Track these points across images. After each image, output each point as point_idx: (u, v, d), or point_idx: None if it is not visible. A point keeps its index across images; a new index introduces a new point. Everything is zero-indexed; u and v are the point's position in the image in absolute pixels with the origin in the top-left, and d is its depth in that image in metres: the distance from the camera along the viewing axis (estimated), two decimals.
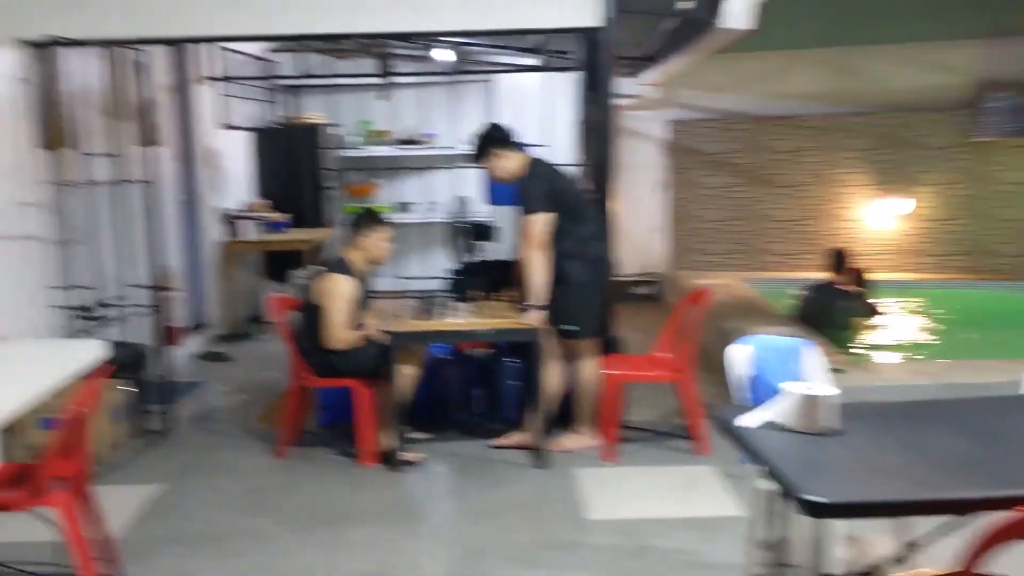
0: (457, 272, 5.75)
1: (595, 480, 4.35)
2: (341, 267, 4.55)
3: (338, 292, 4.46)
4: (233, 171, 8.23)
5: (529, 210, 4.40)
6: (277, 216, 8.45)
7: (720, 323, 6.75)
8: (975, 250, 8.92)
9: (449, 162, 9.01)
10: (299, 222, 8.40)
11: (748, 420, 2.60)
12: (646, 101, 8.91)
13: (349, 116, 9.22)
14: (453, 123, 9.06)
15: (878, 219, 9.01)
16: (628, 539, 3.71)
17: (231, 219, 8.05)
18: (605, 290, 4.66)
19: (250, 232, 8.12)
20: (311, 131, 8.55)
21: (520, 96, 8.73)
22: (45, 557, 3.50)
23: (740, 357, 3.31)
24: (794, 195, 9.17)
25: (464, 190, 8.04)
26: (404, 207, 9.64)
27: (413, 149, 9.41)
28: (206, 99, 7.77)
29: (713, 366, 6.32)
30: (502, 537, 3.74)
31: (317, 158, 8.58)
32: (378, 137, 9.49)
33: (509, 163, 4.54)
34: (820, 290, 7.09)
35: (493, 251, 6.34)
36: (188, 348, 7.07)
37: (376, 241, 4.57)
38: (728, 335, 6.34)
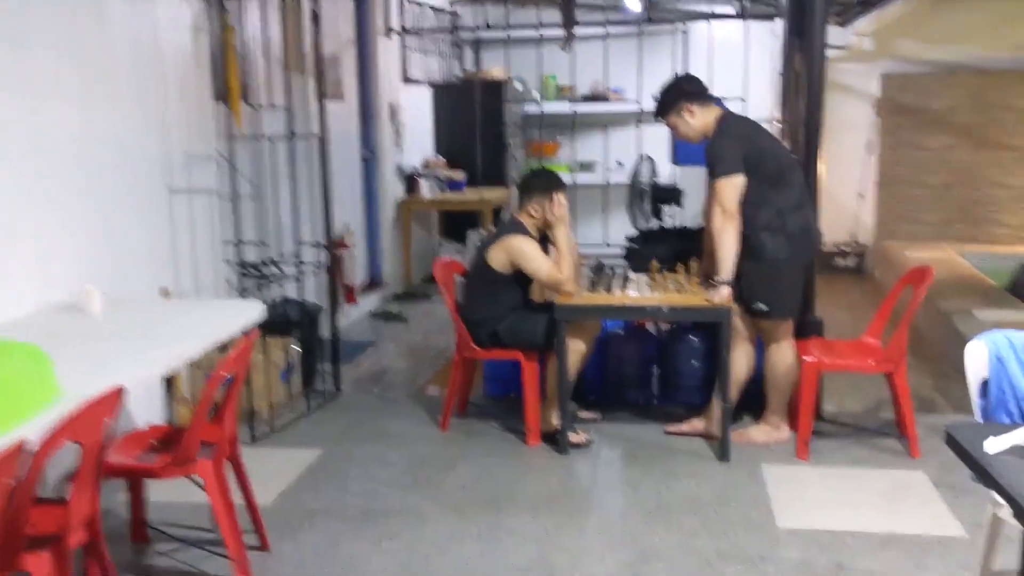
0: (635, 239, 5.32)
1: (786, 481, 3.84)
2: (517, 228, 4.22)
3: (527, 250, 4.13)
4: (413, 127, 8.08)
5: (719, 172, 3.90)
6: (456, 174, 8.25)
7: (935, 303, 6.00)
8: None
9: (635, 120, 8.51)
10: (478, 181, 8.17)
11: (994, 445, 2.07)
12: (856, 52, 8.06)
13: (532, 71, 8.86)
14: (641, 78, 8.52)
15: None
16: (824, 555, 3.21)
17: (410, 176, 7.92)
18: (807, 268, 4.10)
19: (428, 190, 7.97)
20: (493, 86, 8.27)
21: (716, 48, 8.07)
22: (200, 521, 3.40)
23: (977, 356, 2.72)
24: None
25: (649, 149, 7.53)
26: (585, 167, 9.24)
27: (598, 105, 8.97)
28: (389, 53, 7.62)
29: (924, 353, 5.62)
30: (678, 542, 3.33)
31: (498, 114, 8.30)
32: (561, 93, 9.11)
33: (699, 119, 4.04)
34: None
35: (677, 217, 5.85)
36: (363, 307, 7.00)
37: (549, 204, 4.20)
38: (946, 318, 5.63)
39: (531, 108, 9.06)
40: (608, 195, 8.57)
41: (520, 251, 4.13)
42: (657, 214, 5.75)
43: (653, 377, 4.82)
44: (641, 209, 5.76)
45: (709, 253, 4.44)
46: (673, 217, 5.90)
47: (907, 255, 7.62)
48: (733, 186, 3.90)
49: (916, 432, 4.05)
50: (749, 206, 3.94)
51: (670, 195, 5.73)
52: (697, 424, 4.31)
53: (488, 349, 4.30)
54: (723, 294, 3.93)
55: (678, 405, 4.70)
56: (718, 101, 4.16)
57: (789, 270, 4.03)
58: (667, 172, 6.94)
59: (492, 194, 7.83)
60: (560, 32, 7.61)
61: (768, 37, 7.83)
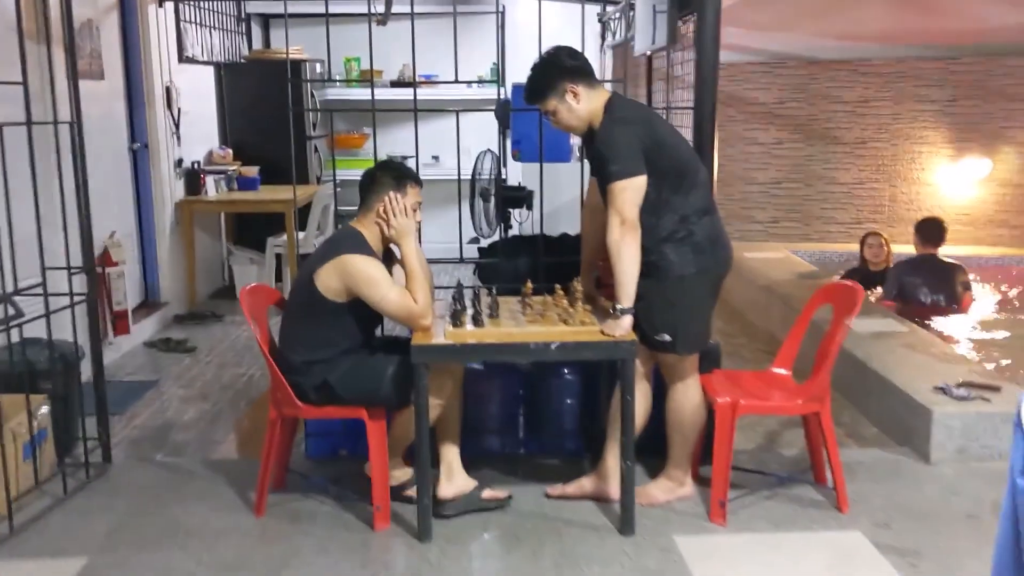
0: (489, 252, 4.41)
1: (708, 556, 3.06)
2: (355, 243, 3.20)
3: (370, 272, 3.12)
4: (195, 115, 6.78)
5: (617, 173, 3.05)
6: (248, 170, 7.03)
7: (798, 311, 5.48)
8: None
9: (456, 108, 7.59)
10: (275, 177, 7.00)
11: None
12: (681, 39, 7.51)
13: (332, 52, 7.74)
14: (458, 62, 7.63)
15: (954, 183, 7.73)
16: None
17: (192, 173, 6.63)
18: (717, 287, 3.33)
19: (215, 189, 6.72)
20: (289, 68, 7.10)
21: (529, 30, 7.30)
22: None
23: None
24: (858, 153, 7.87)
25: (473, 142, 6.64)
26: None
27: (409, 92, 7.98)
28: (162, 25, 6.30)
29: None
30: None
31: (297, 101, 7.15)
32: (369, 78, 8.04)
33: (585, 103, 3.17)
34: (924, 266, 5.86)
35: (527, 223, 5.01)
36: (137, 335, 5.68)
37: (398, 209, 3.21)
38: (816, 329, 5.00)
39: (332, 94, 7.96)
40: (431, 194, 7.62)
41: (359, 274, 3.12)
42: (504, 219, 4.87)
43: (519, 421, 3.93)
44: (486, 214, 4.86)
45: (587, 269, 3.61)
46: (522, 223, 5.05)
47: (746, 256, 7.17)
48: (635, 189, 3.06)
49: (842, 480, 3.39)
50: (647, 213, 3.13)
51: (519, 197, 4.87)
52: (586, 485, 3.46)
53: (317, 405, 3.25)
54: (624, 326, 3.09)
55: (552, 454, 3.85)
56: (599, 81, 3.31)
57: (698, 290, 3.25)
58: (508, 169, 6.07)
59: (291, 193, 6.65)
60: (365, 7, 6.57)
61: (591, 20, 7.16)
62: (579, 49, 3.27)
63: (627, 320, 3.09)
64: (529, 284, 3.47)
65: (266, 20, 8.40)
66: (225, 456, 3.98)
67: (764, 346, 5.60)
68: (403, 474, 3.41)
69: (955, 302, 5.84)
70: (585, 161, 3.47)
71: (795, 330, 3.64)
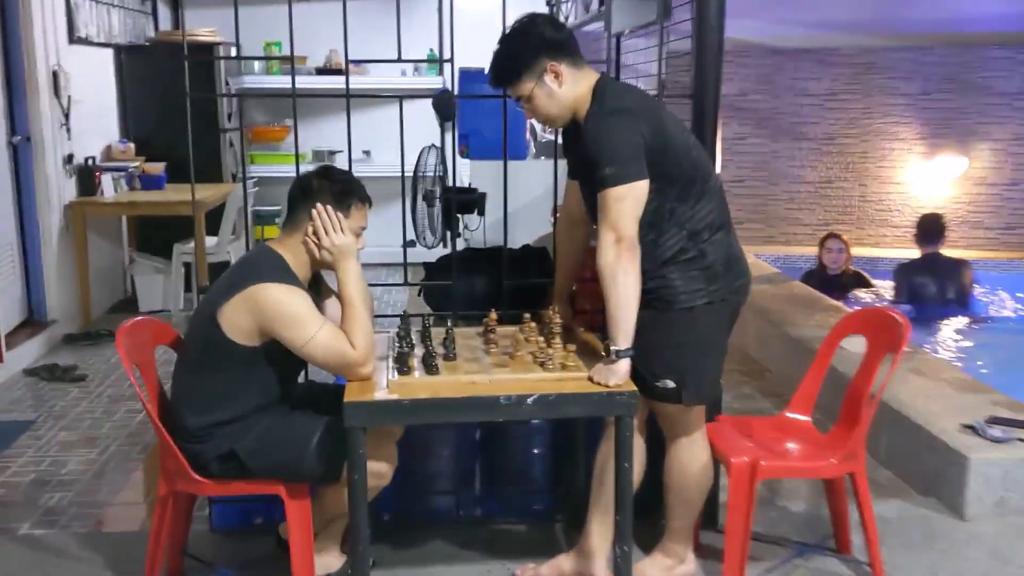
0: (436, 268, 3.69)
1: None
2: (274, 270, 2.45)
3: (293, 307, 2.38)
4: (90, 104, 5.90)
5: (612, 176, 2.35)
6: (153, 167, 6.18)
7: (779, 326, 4.90)
8: None
9: (391, 97, 6.84)
10: (183, 175, 6.13)
11: None
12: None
13: (251, 33, 6.91)
14: (390, 47, 6.89)
15: (927, 183, 7.25)
16: None
17: (86, 170, 5.76)
18: (733, 320, 2.67)
19: (113, 189, 5.86)
20: (199, 51, 6.26)
21: (476, 15, 6.58)
22: None
23: None
24: (826, 150, 7.33)
25: (416, 135, 5.88)
26: (320, 156, 7.43)
27: (337, 80, 7.20)
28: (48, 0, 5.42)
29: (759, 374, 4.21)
30: None
31: (209, 89, 6.31)
32: (290, 64, 7.23)
33: (570, 86, 2.48)
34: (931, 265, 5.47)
35: (478, 232, 4.32)
36: (14, 362, 4.82)
37: (335, 225, 2.48)
38: (800, 349, 4.47)
39: (250, 82, 7.12)
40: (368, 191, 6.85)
41: (277, 310, 2.37)
42: (451, 227, 4.13)
43: (476, 475, 3.22)
44: (430, 220, 4.13)
45: (562, 293, 2.92)
46: (473, 230, 4.34)
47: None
48: (635, 198, 2.37)
49: (877, 553, 2.76)
50: (647, 228, 2.45)
51: (469, 201, 4.15)
52: (564, 566, 2.77)
53: (222, 479, 2.49)
54: (621, 372, 2.40)
55: (517, 517, 3.15)
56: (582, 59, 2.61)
57: (709, 325, 2.57)
58: (450, 169, 5.34)
59: (204, 192, 5.83)
60: None
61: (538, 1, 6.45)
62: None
63: (624, 365, 2.40)
64: (493, 314, 2.77)
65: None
66: (112, 526, 3.20)
67: (740, 366, 4.99)
68: (334, 561, 2.68)
69: (966, 300, 5.49)
70: (550, 159, 2.77)
71: (816, 367, 2.99)
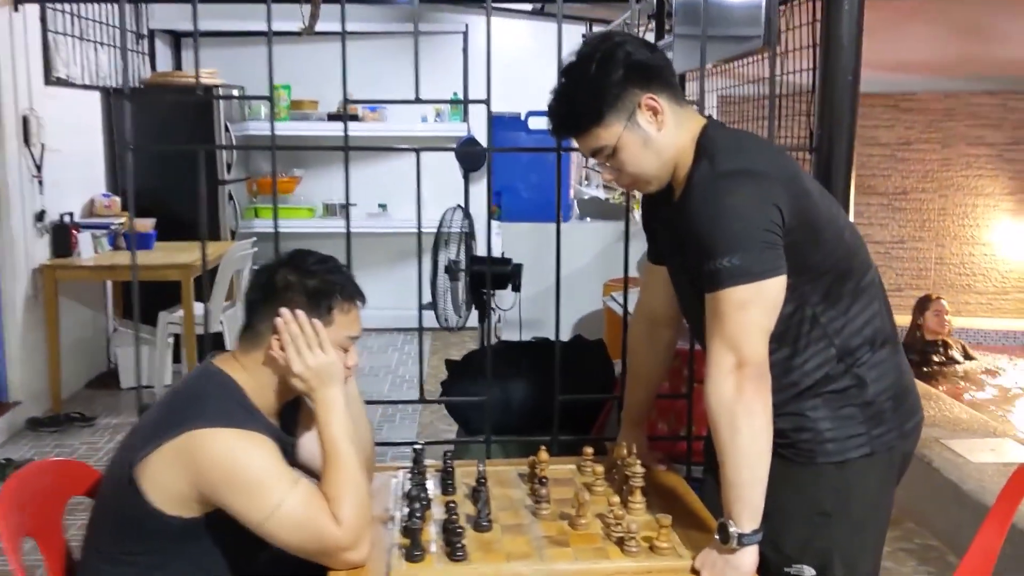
0: (459, 368, 2.91)
1: None
2: (222, 404, 1.66)
3: (248, 467, 1.59)
4: (68, 153, 5.18)
5: (729, 272, 1.56)
6: (143, 224, 5.44)
7: None
8: None
9: (409, 147, 6.14)
10: (178, 232, 5.42)
11: None
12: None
13: (257, 76, 6.24)
14: (409, 92, 6.21)
15: (1016, 243, 6.41)
16: None
17: (61, 228, 5.03)
18: (898, 479, 1.84)
19: (92, 249, 5.13)
20: (199, 95, 5.56)
21: (503, 55, 5.87)
22: None
23: None
24: (898, 206, 6.52)
25: (436, 190, 5.16)
26: (331, 210, 6.72)
27: (354, 128, 6.51)
28: (19, 36, 4.75)
29: None
30: None
31: (208, 136, 5.61)
32: (301, 109, 6.56)
33: (674, 132, 1.69)
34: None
35: (513, 312, 3.57)
36: None
37: (311, 340, 1.69)
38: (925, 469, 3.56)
39: (255, 128, 6.44)
40: (377, 252, 6.10)
41: (226, 467, 1.58)
42: (481, 306, 3.37)
43: None
44: (454, 296, 3.38)
45: (636, 419, 2.12)
46: (504, 310, 3.57)
47: None
48: (765, 304, 1.58)
49: None
50: (780, 342, 1.67)
51: (501, 274, 3.38)
52: None
53: None
54: (746, 567, 1.58)
55: None
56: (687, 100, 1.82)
57: (869, 486, 1.75)
58: (485, 236, 4.57)
59: (197, 254, 5.08)
60: (298, 23, 5.08)
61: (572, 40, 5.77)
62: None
63: (750, 557, 1.58)
64: (544, 454, 1.96)
65: (177, 39, 6.86)
66: None
67: None
68: None
69: None
70: (596, 220, 1.96)
71: (986, 531, 2.13)
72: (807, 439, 1.70)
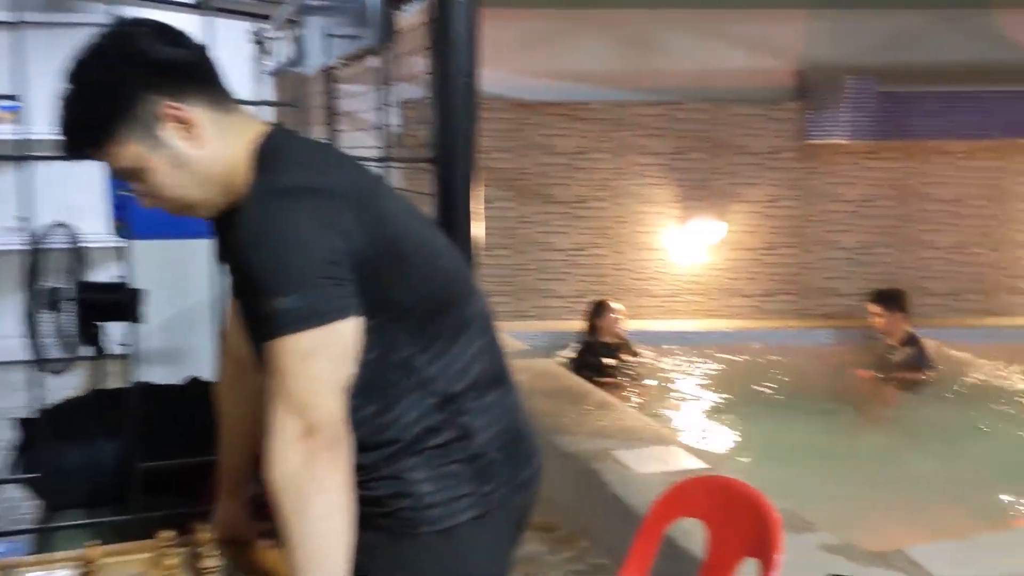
0: (41, 428, 2.39)
1: None
2: None
3: None
4: None
5: (284, 316, 1.25)
6: None
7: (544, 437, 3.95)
8: (803, 288, 6.86)
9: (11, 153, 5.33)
10: None
11: None
12: (358, 70, 5.80)
13: None
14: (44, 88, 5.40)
15: (684, 248, 6.70)
16: None
17: None
18: (519, 538, 1.60)
19: None
20: None
21: None
22: None
23: None
24: (578, 214, 6.61)
25: (67, 207, 4.47)
26: None
27: None
28: None
29: None
30: None
31: None
32: None
33: (215, 147, 1.35)
34: None
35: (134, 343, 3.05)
36: None
37: None
38: (578, 468, 3.49)
39: None
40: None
41: None
42: (92, 339, 2.88)
43: None
44: (59, 331, 2.87)
45: (233, 487, 1.77)
46: (127, 347, 3.06)
47: None
48: (334, 352, 1.28)
49: None
50: (364, 396, 1.37)
51: (115, 303, 2.88)
52: None
53: None
54: None
55: None
56: (236, 100, 1.48)
57: (482, 552, 1.50)
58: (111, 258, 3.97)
59: None
60: None
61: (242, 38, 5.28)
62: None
63: None
64: (94, 551, 1.55)
65: None
66: None
67: None
68: None
69: None
70: None
71: (639, 547, 1.98)
72: (407, 506, 1.42)
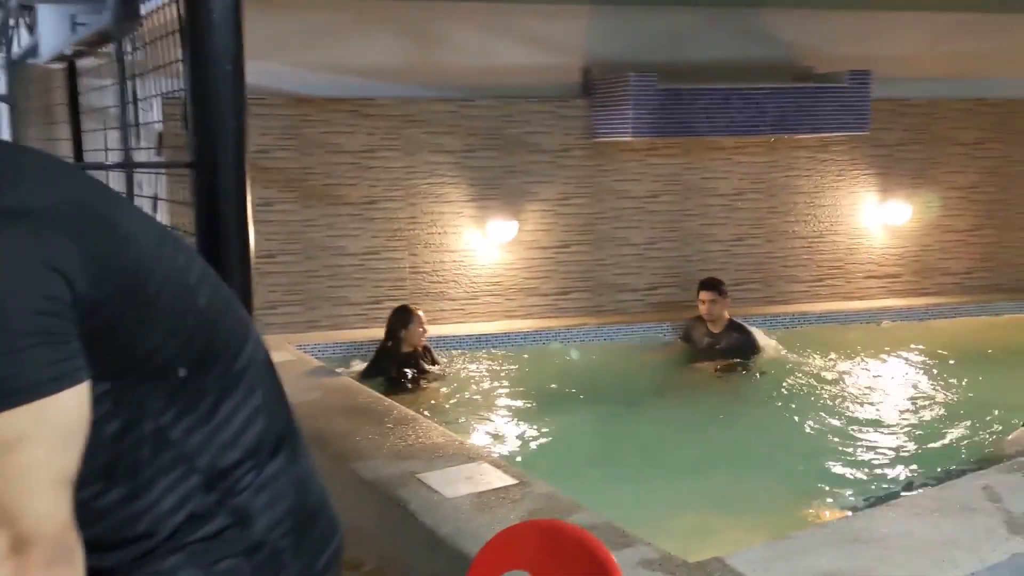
0: None
1: None
2: None
3: None
4: None
5: None
6: None
7: (334, 456, 3.64)
8: (597, 285, 6.86)
9: None
10: None
11: None
12: (104, 60, 5.20)
13: None
14: None
15: (481, 248, 6.53)
16: None
17: None
18: None
19: None
20: None
21: None
22: None
23: None
24: (369, 215, 6.28)
25: None
26: None
27: None
28: None
29: None
30: None
31: None
32: None
33: None
34: None
35: None
36: None
37: None
38: (383, 500, 3.18)
39: None
40: None
41: None
42: None
43: None
44: None
45: None
46: None
47: None
48: (56, 438, 0.95)
49: None
50: (107, 477, 1.04)
51: None
52: None
53: None
54: None
55: None
56: None
57: None
58: None
59: None
60: None
61: None
62: None
63: None
64: None
65: None
66: None
67: None
68: None
69: None
70: None
71: None
72: None
